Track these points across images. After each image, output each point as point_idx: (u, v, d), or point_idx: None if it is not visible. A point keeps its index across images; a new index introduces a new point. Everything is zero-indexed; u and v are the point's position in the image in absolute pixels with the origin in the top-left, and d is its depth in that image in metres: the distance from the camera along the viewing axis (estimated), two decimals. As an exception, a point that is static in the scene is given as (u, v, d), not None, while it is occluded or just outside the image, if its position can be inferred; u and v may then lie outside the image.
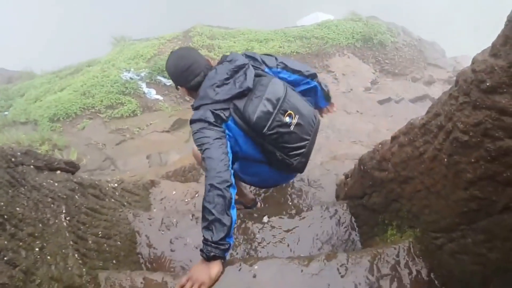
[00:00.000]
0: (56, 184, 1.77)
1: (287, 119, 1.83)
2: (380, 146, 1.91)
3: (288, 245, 2.10)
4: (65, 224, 1.66)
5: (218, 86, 1.79)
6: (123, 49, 8.23)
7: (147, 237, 2.22)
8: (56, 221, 1.59)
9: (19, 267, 1.21)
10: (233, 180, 1.65)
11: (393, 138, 1.73)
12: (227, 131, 1.78)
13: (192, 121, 1.79)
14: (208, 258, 1.55)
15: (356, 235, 2.13)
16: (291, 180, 2.65)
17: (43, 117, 5.85)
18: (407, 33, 9.11)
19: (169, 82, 6.67)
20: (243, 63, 1.85)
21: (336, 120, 6.42)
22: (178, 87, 1.96)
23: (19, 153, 1.64)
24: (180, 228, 2.30)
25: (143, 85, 6.51)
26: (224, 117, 1.76)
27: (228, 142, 1.76)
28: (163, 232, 2.25)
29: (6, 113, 6.81)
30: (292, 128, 1.85)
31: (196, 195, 2.89)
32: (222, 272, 1.58)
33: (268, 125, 1.77)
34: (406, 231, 1.71)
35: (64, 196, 1.76)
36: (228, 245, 1.58)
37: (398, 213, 1.80)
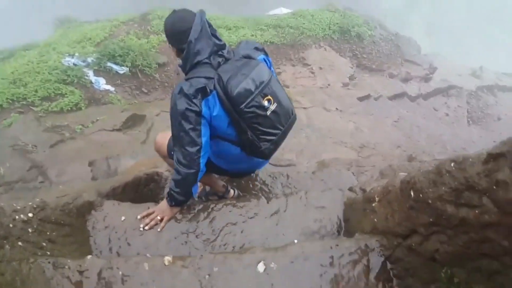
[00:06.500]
0: None
1: (265, 103, 1.91)
2: (452, 165, 1.17)
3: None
4: None
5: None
6: (68, 31, 7.05)
7: (75, 308, 1.37)
8: None
9: None
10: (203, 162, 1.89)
11: (493, 156, 1.00)
12: (204, 110, 1.83)
13: (175, 95, 1.82)
14: (173, 204, 1.98)
15: (392, 288, 1.42)
16: (259, 169, 2.54)
17: (-43, 110, 4.61)
18: (383, 27, 8.69)
19: (122, 70, 5.67)
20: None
21: (316, 118, 5.76)
22: (169, 45, 2.06)
23: None
24: (132, 285, 1.50)
25: (90, 73, 5.43)
26: (208, 91, 1.82)
27: (204, 129, 1.87)
28: (101, 297, 1.40)
29: None
30: (268, 113, 1.92)
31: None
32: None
33: (246, 102, 1.84)
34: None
35: None
36: (190, 198, 2.01)
37: (490, 275, 1.14)
